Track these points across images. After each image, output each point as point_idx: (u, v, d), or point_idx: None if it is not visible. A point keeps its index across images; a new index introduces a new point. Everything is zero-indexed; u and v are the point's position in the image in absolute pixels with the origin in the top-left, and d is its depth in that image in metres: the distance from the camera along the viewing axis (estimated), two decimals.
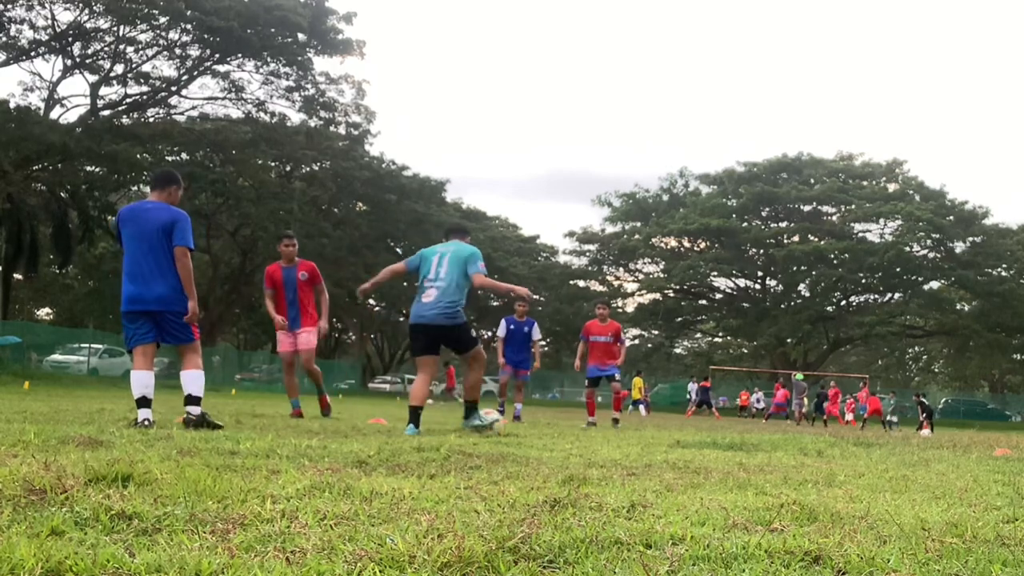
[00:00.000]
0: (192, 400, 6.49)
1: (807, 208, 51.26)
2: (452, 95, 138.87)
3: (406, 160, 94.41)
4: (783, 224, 51.54)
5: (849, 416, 30.30)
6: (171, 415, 7.98)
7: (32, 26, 32.47)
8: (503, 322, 13.12)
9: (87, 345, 34.11)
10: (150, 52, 35.63)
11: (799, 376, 34.49)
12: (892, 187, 50.33)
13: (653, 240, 51.70)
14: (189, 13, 32.63)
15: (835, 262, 48.41)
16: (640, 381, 32.31)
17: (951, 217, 47.36)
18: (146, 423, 6.13)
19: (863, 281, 49.36)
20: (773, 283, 53.03)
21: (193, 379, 6.53)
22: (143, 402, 6.31)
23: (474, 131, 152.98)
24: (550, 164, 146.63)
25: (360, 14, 66.68)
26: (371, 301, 57.88)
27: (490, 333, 70.68)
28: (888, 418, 27.32)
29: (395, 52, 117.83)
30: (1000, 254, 47.49)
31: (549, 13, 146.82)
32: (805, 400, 32.32)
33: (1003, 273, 48.37)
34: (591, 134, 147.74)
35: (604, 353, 12.52)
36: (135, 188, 39.44)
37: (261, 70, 37.12)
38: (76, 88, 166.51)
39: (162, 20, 33.54)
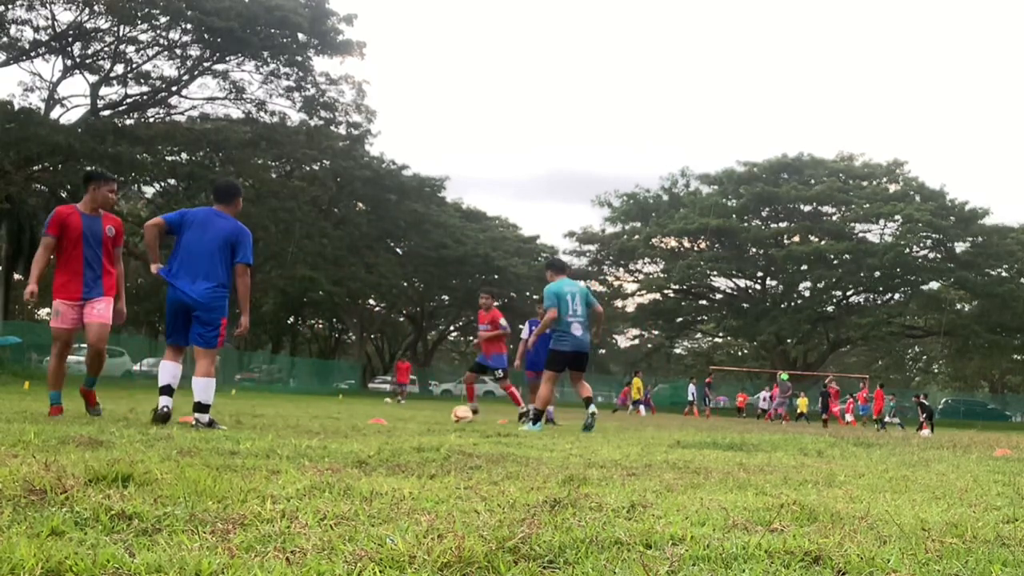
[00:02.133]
0: (201, 407, 6.62)
1: (807, 208, 51.23)
2: (454, 96, 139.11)
3: (407, 160, 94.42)
4: (783, 224, 51.52)
5: (849, 417, 30.30)
6: (174, 414, 7.97)
7: (32, 26, 32.47)
8: (527, 324, 12.97)
9: (87, 345, 34.07)
10: (150, 52, 35.62)
11: (784, 376, 34.50)
12: (893, 187, 50.28)
13: (653, 240, 51.69)
14: (189, 13, 32.62)
15: (835, 262, 48.39)
16: (639, 381, 32.29)
17: (952, 217, 47.33)
18: (164, 410, 6.48)
19: (863, 281, 49.35)
20: (773, 283, 53.02)
21: (205, 386, 6.66)
22: (165, 390, 6.65)
23: (475, 132, 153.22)
24: (551, 164, 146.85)
25: (362, 14, 66.76)
26: (371, 301, 57.89)
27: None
28: (886, 419, 27.29)
29: (397, 52, 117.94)
30: (1000, 254, 47.45)
31: (550, 15, 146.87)
32: (800, 400, 32.35)
33: (1003, 273, 48.35)
34: (592, 134, 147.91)
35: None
36: (135, 188, 39.46)
37: (261, 70, 37.11)
38: (76, 88, 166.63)
39: (162, 20, 33.53)
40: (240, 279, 6.75)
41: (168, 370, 6.75)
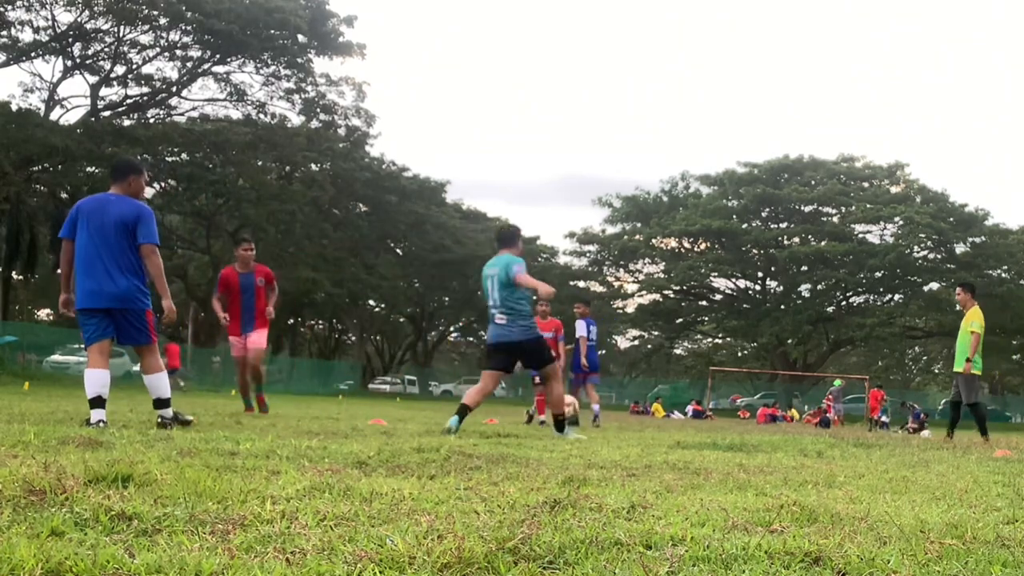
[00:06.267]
0: (162, 403, 6.28)
1: (808, 209, 51.25)
2: (461, 99, 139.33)
3: (412, 162, 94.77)
4: (784, 225, 51.53)
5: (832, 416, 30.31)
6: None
7: (32, 27, 32.50)
8: (584, 324, 12.87)
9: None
10: (150, 53, 35.65)
11: (836, 382, 34.31)
12: (894, 189, 50.33)
13: (653, 240, 51.70)
14: (189, 15, 32.63)
15: (836, 263, 48.42)
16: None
17: (952, 219, 47.35)
18: (100, 424, 5.87)
19: (864, 282, 49.37)
20: (773, 284, 53.03)
21: (158, 382, 6.28)
22: (97, 402, 6.02)
23: (482, 135, 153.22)
24: (562, 169, 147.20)
25: (373, 16, 66.44)
26: (371, 302, 57.89)
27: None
28: (882, 419, 27.43)
29: (407, 56, 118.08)
30: (1000, 255, 47.50)
31: (556, 19, 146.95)
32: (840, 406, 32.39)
33: (1003, 275, 48.37)
34: (603, 139, 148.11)
35: None
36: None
37: (262, 72, 37.14)
38: (76, 89, 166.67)
39: (162, 21, 33.55)
40: (148, 260, 6.09)
41: (97, 379, 6.06)
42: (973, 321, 11.21)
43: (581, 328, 12.59)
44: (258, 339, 9.86)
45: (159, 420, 6.21)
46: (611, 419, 17.06)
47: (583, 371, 12.68)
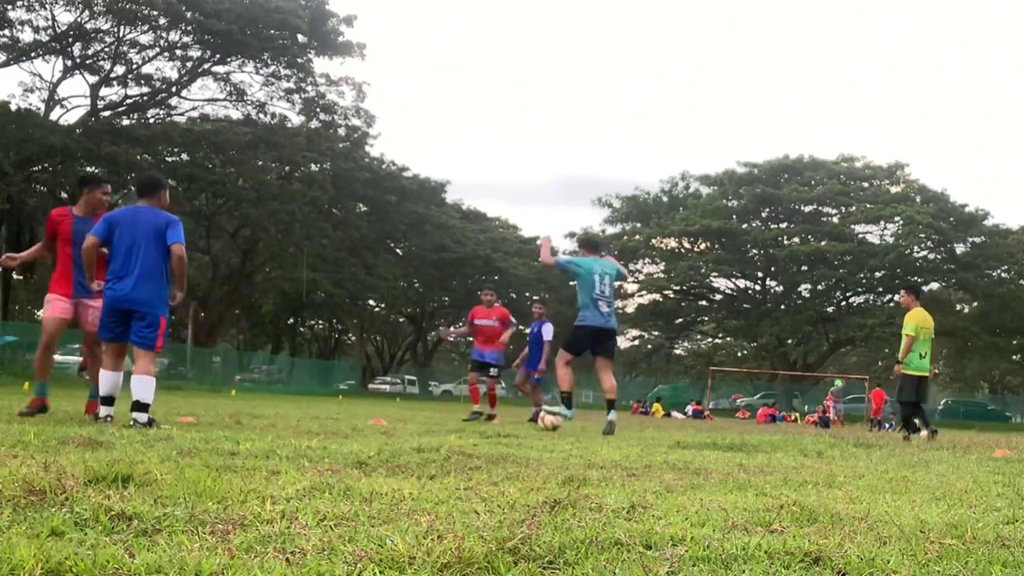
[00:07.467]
0: (141, 407, 6.44)
1: (808, 209, 51.22)
2: (463, 99, 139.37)
3: (412, 162, 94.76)
4: (783, 225, 51.50)
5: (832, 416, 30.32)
6: (170, 416, 7.98)
7: (33, 27, 32.50)
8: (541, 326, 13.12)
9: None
10: (150, 53, 35.64)
11: (838, 382, 34.31)
12: (894, 189, 50.28)
13: (653, 241, 51.67)
14: (189, 15, 32.62)
15: (836, 263, 48.40)
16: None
17: (952, 219, 47.32)
18: (108, 419, 6.45)
19: (864, 282, 49.33)
20: (773, 284, 53.00)
21: (147, 385, 6.53)
22: (107, 401, 6.63)
23: (483, 136, 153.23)
24: (562, 169, 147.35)
25: (379, 16, 66.35)
26: (371, 302, 57.85)
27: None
28: (885, 421, 27.47)
29: (407, 56, 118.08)
30: (1000, 256, 47.48)
31: (556, 19, 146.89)
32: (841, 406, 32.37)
33: (1003, 275, 48.35)
34: (603, 139, 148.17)
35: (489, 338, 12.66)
36: (133, 189, 39.54)
37: (262, 72, 37.13)
38: (76, 89, 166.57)
39: (162, 21, 33.54)
40: (176, 258, 6.61)
41: (109, 380, 6.68)
42: (907, 324, 11.60)
43: (549, 332, 12.75)
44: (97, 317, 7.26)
45: (132, 423, 6.25)
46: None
47: (540, 373, 12.92)
